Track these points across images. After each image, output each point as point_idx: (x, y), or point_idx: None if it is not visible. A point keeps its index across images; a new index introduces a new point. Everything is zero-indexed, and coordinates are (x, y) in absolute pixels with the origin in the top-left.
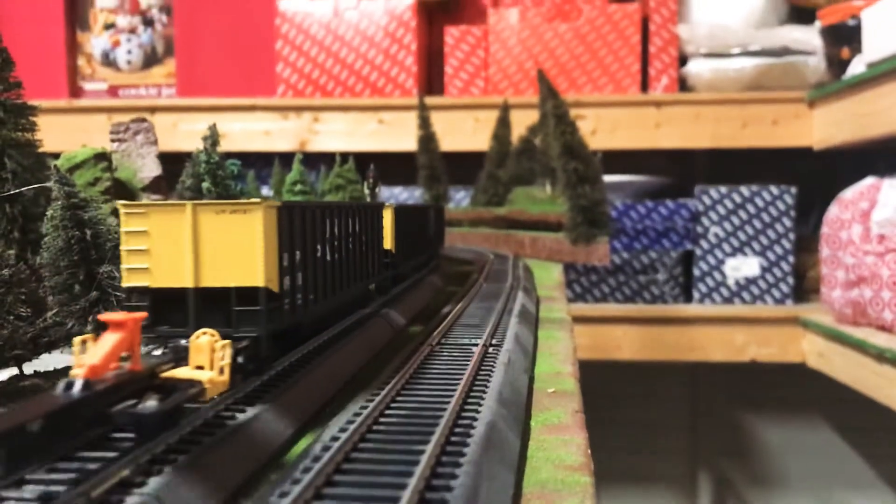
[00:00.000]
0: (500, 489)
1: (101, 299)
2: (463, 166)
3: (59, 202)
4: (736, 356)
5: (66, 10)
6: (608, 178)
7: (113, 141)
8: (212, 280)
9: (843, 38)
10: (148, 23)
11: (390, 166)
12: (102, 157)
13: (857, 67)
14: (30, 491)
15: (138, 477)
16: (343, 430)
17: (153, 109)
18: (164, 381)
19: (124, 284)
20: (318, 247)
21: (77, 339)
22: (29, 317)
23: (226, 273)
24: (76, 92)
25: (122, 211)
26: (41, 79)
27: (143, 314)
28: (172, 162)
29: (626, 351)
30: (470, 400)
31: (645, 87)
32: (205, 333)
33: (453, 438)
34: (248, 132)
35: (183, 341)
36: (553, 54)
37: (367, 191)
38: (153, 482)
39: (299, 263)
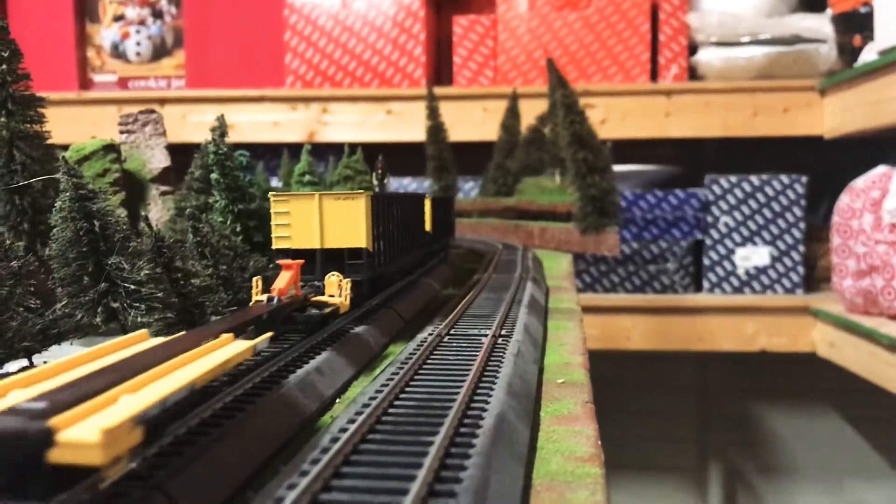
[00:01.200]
0: (509, 481)
1: (109, 290)
2: (472, 156)
3: (68, 194)
4: (746, 346)
5: (75, 2)
6: (618, 168)
7: (122, 132)
8: (332, 243)
9: (855, 25)
10: (157, 14)
11: (399, 157)
12: (111, 148)
13: (868, 55)
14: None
15: (145, 470)
16: (352, 420)
17: (162, 101)
18: (314, 303)
19: (274, 247)
20: (389, 224)
21: (256, 279)
22: (38, 308)
23: (340, 238)
24: (85, 84)
25: (271, 198)
26: (51, 71)
27: (302, 261)
28: (181, 153)
29: (636, 341)
30: (479, 391)
31: (654, 76)
32: (334, 275)
33: (462, 429)
34: (257, 123)
35: (316, 282)
36: (562, 43)
37: (375, 181)
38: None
39: (381, 234)
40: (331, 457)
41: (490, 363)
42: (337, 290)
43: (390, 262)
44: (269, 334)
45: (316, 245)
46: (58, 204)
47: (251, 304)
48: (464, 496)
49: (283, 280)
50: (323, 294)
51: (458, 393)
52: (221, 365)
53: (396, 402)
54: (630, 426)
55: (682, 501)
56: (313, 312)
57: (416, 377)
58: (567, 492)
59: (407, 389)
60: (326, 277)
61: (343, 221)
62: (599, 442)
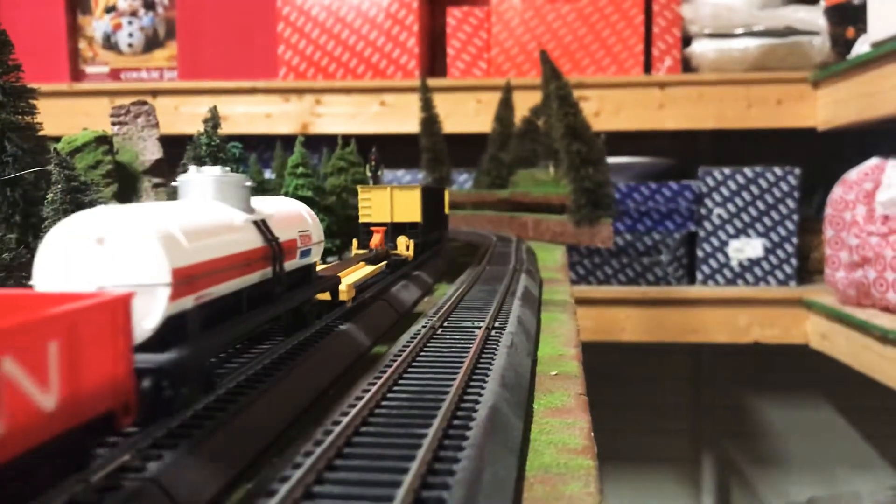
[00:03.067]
0: (503, 473)
1: None
2: (465, 148)
3: (60, 185)
4: (739, 337)
5: None
6: (611, 160)
7: (114, 124)
8: (398, 218)
9: (848, 17)
10: (149, 6)
11: (393, 149)
12: (103, 140)
13: (861, 47)
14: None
15: (138, 462)
16: (345, 413)
17: (154, 92)
18: (392, 253)
19: (360, 221)
20: (429, 207)
21: (354, 240)
22: None
23: (404, 215)
24: (77, 75)
25: (359, 189)
26: (42, 62)
27: (385, 228)
28: (174, 145)
29: (630, 333)
30: (472, 383)
31: (648, 67)
32: (403, 237)
33: (456, 422)
34: (250, 115)
35: (389, 243)
36: (556, 35)
37: (369, 173)
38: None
39: (425, 213)
40: (324, 449)
41: (483, 355)
42: (404, 247)
43: (429, 232)
44: (383, 263)
45: (388, 220)
46: (49, 196)
47: (352, 255)
48: (457, 488)
49: (376, 239)
50: (395, 249)
51: (451, 385)
52: (373, 270)
53: (389, 395)
54: (623, 418)
55: (675, 492)
56: (398, 257)
57: (410, 369)
58: (560, 484)
59: (400, 382)
60: (398, 239)
61: (406, 204)
62: (593, 434)
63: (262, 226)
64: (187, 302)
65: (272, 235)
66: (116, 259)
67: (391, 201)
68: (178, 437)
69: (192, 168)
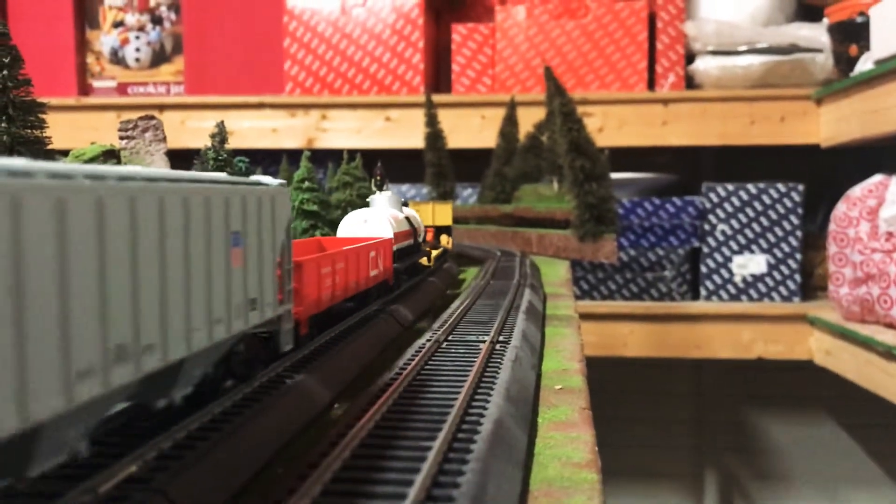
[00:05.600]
0: (507, 486)
1: None
2: (470, 163)
3: None
4: (743, 353)
5: (75, 8)
6: (615, 176)
7: (122, 138)
8: (438, 222)
9: (851, 35)
10: (157, 21)
11: (397, 164)
12: (111, 154)
13: (864, 65)
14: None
15: (145, 473)
16: (349, 425)
17: (162, 107)
18: (439, 246)
19: None
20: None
21: None
22: None
23: (440, 220)
24: (85, 89)
25: (410, 203)
26: (50, 76)
27: (433, 229)
28: (181, 159)
29: (633, 348)
30: (477, 396)
31: (652, 84)
32: (444, 234)
33: (460, 435)
34: (257, 129)
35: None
36: (560, 51)
37: (374, 188)
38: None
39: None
40: (328, 461)
41: (488, 369)
42: (446, 241)
43: (451, 233)
44: (441, 249)
45: (430, 223)
46: None
47: None
48: (462, 502)
49: (429, 235)
50: (438, 244)
51: (456, 399)
52: (438, 252)
53: (394, 408)
54: (627, 433)
55: None
56: (442, 247)
57: (414, 383)
58: (564, 497)
59: (405, 395)
60: (440, 237)
61: (442, 213)
62: (597, 448)
63: (410, 219)
64: (396, 246)
65: (413, 224)
66: (373, 228)
67: (433, 212)
68: (183, 448)
69: (377, 192)
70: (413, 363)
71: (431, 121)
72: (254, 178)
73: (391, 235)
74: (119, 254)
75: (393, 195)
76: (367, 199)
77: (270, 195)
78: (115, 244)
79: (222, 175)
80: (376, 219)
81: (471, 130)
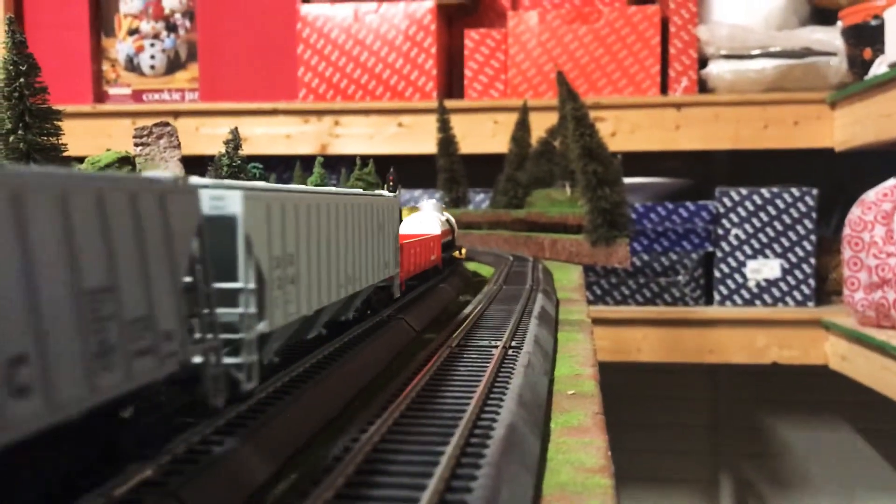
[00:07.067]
0: (519, 491)
1: None
2: (482, 168)
3: None
4: (757, 358)
5: (90, 16)
6: (628, 180)
7: (136, 145)
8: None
9: (865, 38)
10: (171, 28)
11: (410, 169)
12: (126, 160)
13: (879, 68)
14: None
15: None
16: (363, 430)
17: (176, 114)
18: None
19: None
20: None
21: None
22: None
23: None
24: (101, 97)
25: (403, 210)
26: (66, 84)
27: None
28: (195, 165)
29: (647, 353)
30: (490, 401)
31: (665, 88)
32: (462, 246)
33: (473, 440)
34: (270, 136)
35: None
36: (572, 56)
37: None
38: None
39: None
40: (342, 466)
41: (501, 374)
42: (458, 252)
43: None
44: (463, 249)
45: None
46: None
47: None
48: None
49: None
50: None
51: (468, 403)
52: (460, 251)
53: (408, 412)
54: (640, 438)
55: None
56: (463, 250)
57: (427, 387)
58: (577, 502)
59: (418, 399)
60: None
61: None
62: (610, 453)
63: (449, 221)
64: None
65: (451, 225)
66: (426, 227)
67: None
68: (197, 454)
69: (426, 198)
70: (426, 367)
71: (444, 126)
72: (381, 192)
73: (439, 232)
74: (353, 232)
75: (436, 202)
76: (418, 205)
77: (391, 205)
78: (354, 228)
79: (389, 194)
80: (429, 220)
81: (483, 135)
